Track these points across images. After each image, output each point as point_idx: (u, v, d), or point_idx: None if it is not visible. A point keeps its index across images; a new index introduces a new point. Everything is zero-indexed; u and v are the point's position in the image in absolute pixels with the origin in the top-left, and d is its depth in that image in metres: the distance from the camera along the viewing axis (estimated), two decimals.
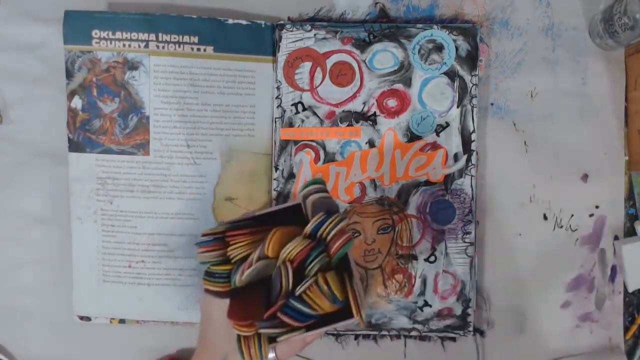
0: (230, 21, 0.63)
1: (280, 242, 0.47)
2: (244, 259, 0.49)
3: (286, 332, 0.46)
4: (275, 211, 0.52)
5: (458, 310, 0.65)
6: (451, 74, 0.64)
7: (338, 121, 0.64)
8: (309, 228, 0.47)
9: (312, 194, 0.50)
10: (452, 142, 0.64)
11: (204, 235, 0.51)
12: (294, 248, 0.46)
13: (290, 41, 0.64)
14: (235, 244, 0.50)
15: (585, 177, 0.66)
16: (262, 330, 0.46)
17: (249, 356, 0.47)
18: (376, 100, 0.64)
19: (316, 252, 0.47)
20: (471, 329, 0.65)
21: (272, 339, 0.47)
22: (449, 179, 0.64)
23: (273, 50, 0.64)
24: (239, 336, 0.47)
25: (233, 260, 0.50)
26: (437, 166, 0.64)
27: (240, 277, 0.47)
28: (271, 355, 0.50)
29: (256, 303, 0.47)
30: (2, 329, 0.67)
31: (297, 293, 0.45)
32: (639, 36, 0.59)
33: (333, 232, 0.47)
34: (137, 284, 0.64)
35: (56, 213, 0.66)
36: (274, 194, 0.64)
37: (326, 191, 0.51)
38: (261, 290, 0.48)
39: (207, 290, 0.50)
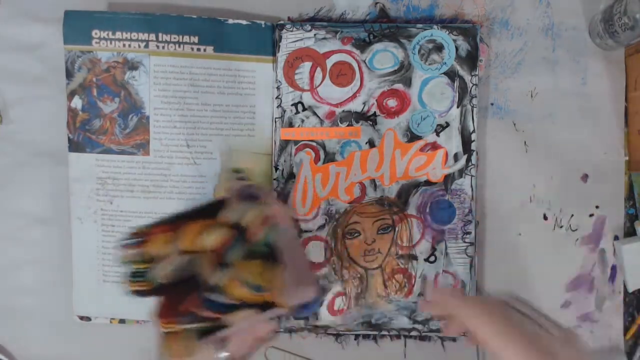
0: (230, 21, 0.63)
1: (195, 234, 0.47)
2: (167, 256, 0.49)
3: (215, 327, 0.45)
4: (201, 208, 0.51)
5: None
6: (451, 74, 0.64)
7: (338, 121, 0.64)
8: (227, 217, 0.47)
9: (233, 182, 0.50)
10: (452, 142, 0.64)
11: (130, 235, 0.50)
12: (213, 238, 0.46)
13: (290, 41, 0.63)
14: (155, 241, 0.49)
15: (585, 177, 0.66)
16: (185, 326, 0.45)
17: (174, 353, 0.46)
18: (376, 100, 0.64)
19: (237, 241, 0.46)
20: None
21: (203, 333, 0.46)
22: (449, 179, 0.64)
23: (273, 50, 0.64)
24: (164, 334, 0.46)
25: (154, 257, 0.49)
26: (437, 166, 0.64)
27: (162, 273, 0.47)
28: (225, 354, 0.49)
29: (182, 300, 0.46)
30: (2, 329, 0.67)
31: (214, 284, 0.45)
32: (639, 36, 0.59)
33: (253, 219, 0.46)
34: None
35: (56, 213, 0.66)
36: (274, 194, 0.64)
37: (247, 179, 0.50)
38: (186, 287, 0.47)
39: (132, 292, 0.50)
